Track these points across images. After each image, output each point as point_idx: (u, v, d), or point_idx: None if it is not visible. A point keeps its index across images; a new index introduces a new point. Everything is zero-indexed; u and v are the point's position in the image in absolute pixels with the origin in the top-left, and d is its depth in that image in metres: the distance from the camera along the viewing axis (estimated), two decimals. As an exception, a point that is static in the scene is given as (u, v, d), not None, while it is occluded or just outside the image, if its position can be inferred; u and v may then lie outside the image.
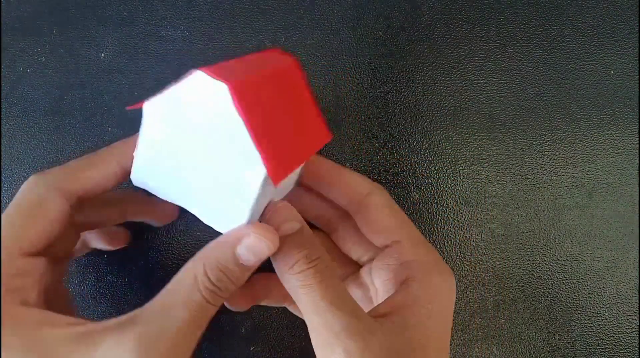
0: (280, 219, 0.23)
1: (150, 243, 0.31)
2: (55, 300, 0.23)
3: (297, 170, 0.25)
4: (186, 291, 0.21)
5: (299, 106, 0.24)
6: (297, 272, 0.22)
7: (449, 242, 0.31)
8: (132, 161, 0.23)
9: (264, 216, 0.23)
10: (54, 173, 0.23)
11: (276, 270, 0.23)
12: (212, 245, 0.22)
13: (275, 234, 0.22)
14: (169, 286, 0.21)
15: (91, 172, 0.23)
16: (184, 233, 0.31)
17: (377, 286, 0.26)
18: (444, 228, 0.31)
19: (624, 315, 0.31)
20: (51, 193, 0.22)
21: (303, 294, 0.21)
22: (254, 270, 0.23)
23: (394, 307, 0.22)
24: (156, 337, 0.20)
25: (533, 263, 0.31)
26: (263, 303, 0.29)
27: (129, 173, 0.24)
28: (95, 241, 0.29)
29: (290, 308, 0.30)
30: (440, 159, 0.32)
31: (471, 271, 0.31)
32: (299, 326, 0.31)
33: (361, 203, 0.25)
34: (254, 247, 0.22)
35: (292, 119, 0.23)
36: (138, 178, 0.23)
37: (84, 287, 0.31)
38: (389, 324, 0.21)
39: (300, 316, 0.28)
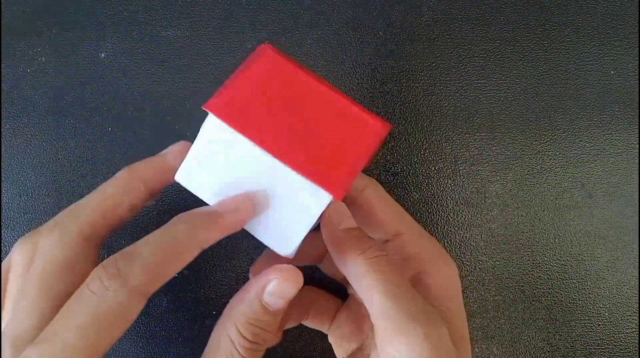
0: (340, 215, 0.23)
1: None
2: None
3: None
4: (224, 356, 0.20)
5: (322, 105, 0.22)
6: (369, 257, 0.21)
7: (449, 242, 0.31)
8: (157, 183, 0.23)
9: (324, 217, 0.23)
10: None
11: (339, 258, 0.22)
12: (236, 300, 0.22)
13: (298, 272, 0.22)
14: (208, 354, 0.21)
15: (122, 204, 0.22)
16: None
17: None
18: (444, 228, 0.31)
19: (624, 315, 0.31)
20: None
21: (375, 280, 0.21)
22: (284, 310, 0.22)
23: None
24: None
25: (533, 263, 0.31)
26: (307, 323, 0.28)
27: (153, 193, 0.23)
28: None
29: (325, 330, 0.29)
30: (440, 159, 0.32)
31: (471, 271, 0.31)
32: (299, 326, 0.31)
33: (357, 198, 0.25)
34: (281, 291, 0.21)
35: (325, 126, 0.22)
36: (184, 176, 0.22)
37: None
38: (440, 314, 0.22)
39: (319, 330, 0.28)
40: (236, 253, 0.31)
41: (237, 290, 0.31)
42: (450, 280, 0.24)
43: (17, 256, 0.22)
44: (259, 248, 0.31)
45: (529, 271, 0.31)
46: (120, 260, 0.19)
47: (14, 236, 0.31)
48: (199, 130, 0.22)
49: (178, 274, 0.31)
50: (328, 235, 0.23)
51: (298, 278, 0.21)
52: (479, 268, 0.31)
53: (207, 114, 0.22)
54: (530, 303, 0.31)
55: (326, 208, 0.22)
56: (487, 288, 0.31)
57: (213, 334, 0.21)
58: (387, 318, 0.20)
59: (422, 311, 0.20)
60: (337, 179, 0.21)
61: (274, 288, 0.21)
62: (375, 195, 0.25)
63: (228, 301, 0.30)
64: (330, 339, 0.28)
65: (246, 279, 0.31)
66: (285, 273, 0.21)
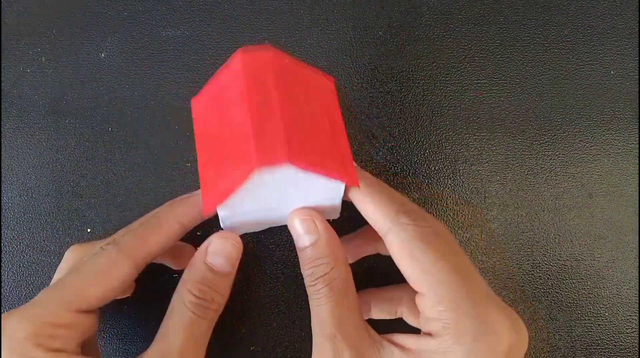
0: (298, 232, 0.24)
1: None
2: (86, 345, 0.23)
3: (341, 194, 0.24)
4: (177, 314, 0.22)
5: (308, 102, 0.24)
6: (310, 285, 0.23)
7: (449, 242, 0.31)
8: (191, 220, 0.25)
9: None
10: (126, 240, 0.23)
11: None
12: (187, 267, 0.24)
13: (234, 234, 0.24)
14: (165, 318, 0.23)
15: (157, 236, 0.24)
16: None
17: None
18: (444, 228, 0.31)
19: (624, 315, 0.31)
20: (123, 260, 0.23)
21: (315, 306, 0.23)
22: (233, 275, 0.24)
23: (418, 349, 0.22)
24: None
25: (533, 263, 0.31)
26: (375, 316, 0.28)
27: (187, 230, 0.25)
28: (162, 258, 0.28)
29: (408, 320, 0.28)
30: (440, 159, 0.32)
31: (471, 271, 0.31)
32: (299, 326, 0.31)
33: (384, 241, 0.23)
34: (220, 251, 0.24)
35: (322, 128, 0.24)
36: (227, 225, 0.25)
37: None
38: None
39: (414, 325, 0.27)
40: (236, 253, 0.31)
41: (237, 290, 0.31)
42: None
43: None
44: (259, 247, 0.31)
45: (529, 271, 0.31)
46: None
47: (14, 236, 0.31)
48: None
49: (178, 274, 0.31)
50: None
51: (235, 238, 0.24)
52: (479, 268, 0.31)
53: None
54: (530, 303, 0.31)
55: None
56: (487, 288, 0.31)
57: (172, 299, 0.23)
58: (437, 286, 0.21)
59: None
60: (347, 170, 0.23)
61: (213, 246, 0.24)
62: (395, 245, 0.22)
63: (228, 302, 0.31)
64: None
65: (245, 279, 0.31)
66: (223, 233, 0.24)
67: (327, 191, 0.23)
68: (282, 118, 0.21)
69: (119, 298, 0.28)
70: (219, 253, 0.24)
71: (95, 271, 0.22)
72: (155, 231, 0.24)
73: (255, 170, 0.19)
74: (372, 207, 0.23)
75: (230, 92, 0.22)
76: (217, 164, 0.23)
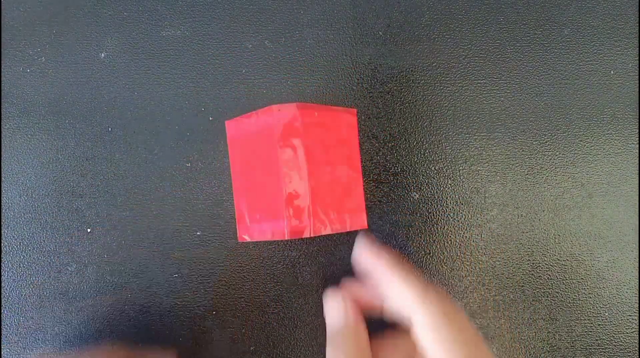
0: (329, 309, 0.25)
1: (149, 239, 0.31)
2: None
3: None
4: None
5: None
6: None
7: (449, 242, 0.31)
8: None
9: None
10: None
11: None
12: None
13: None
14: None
15: None
16: (185, 232, 0.31)
17: None
18: (444, 228, 0.31)
19: (624, 315, 0.31)
20: None
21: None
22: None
23: None
24: None
25: (533, 263, 0.31)
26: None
27: None
28: None
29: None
30: (440, 159, 0.32)
31: (471, 271, 0.31)
32: (299, 326, 0.31)
33: (410, 322, 0.23)
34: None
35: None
36: None
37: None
38: None
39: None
40: (236, 253, 0.31)
41: (237, 290, 0.31)
42: None
43: None
44: (259, 248, 0.31)
45: (529, 271, 0.31)
46: None
47: (14, 236, 0.31)
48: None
49: (178, 274, 0.31)
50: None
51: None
52: (479, 268, 0.31)
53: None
54: (530, 303, 0.31)
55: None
56: (487, 288, 0.31)
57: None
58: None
59: None
60: (358, 216, 0.27)
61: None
62: (419, 331, 0.22)
63: (228, 301, 0.31)
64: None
65: (245, 279, 0.31)
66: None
67: None
68: (309, 183, 0.24)
69: None
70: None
71: None
72: None
73: (284, 237, 0.24)
74: (399, 288, 0.23)
75: (265, 143, 0.25)
76: (251, 200, 0.27)
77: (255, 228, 0.26)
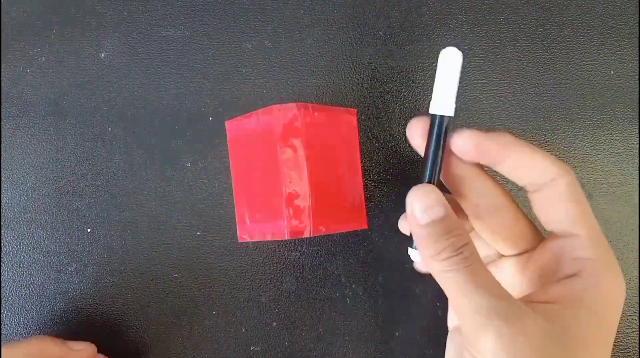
0: (427, 204, 0.22)
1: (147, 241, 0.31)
2: None
3: None
4: None
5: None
6: (443, 259, 0.21)
7: (449, 242, 0.31)
8: None
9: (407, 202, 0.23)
10: None
11: (420, 253, 0.23)
12: None
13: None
14: None
15: None
16: (185, 231, 0.31)
17: (529, 276, 0.25)
18: (444, 228, 0.31)
19: (624, 315, 0.31)
20: None
21: (450, 278, 0.21)
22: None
23: (550, 298, 0.22)
24: None
25: (533, 263, 0.31)
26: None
27: None
28: None
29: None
30: (440, 159, 0.32)
31: (471, 271, 0.31)
32: (299, 326, 0.31)
33: (545, 185, 0.23)
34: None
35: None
36: None
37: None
38: (543, 312, 0.21)
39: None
40: (236, 253, 0.31)
41: (237, 290, 0.31)
42: (606, 292, 0.22)
43: None
44: (259, 248, 0.31)
45: (529, 271, 0.31)
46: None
47: (14, 236, 0.31)
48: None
49: (178, 274, 0.31)
50: (410, 227, 0.23)
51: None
52: (479, 268, 0.31)
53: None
54: (530, 303, 0.31)
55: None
56: (487, 288, 0.31)
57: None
58: (462, 315, 0.21)
59: (495, 309, 0.20)
60: (358, 215, 0.26)
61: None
62: (563, 189, 0.23)
63: (228, 301, 0.31)
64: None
65: (245, 279, 0.31)
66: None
67: None
68: (309, 183, 0.24)
69: None
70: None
71: None
72: None
73: (284, 237, 0.24)
74: (538, 155, 0.23)
75: (265, 144, 0.25)
76: (251, 201, 0.26)
77: (256, 228, 0.26)
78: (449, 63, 0.23)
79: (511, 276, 0.26)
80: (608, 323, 0.22)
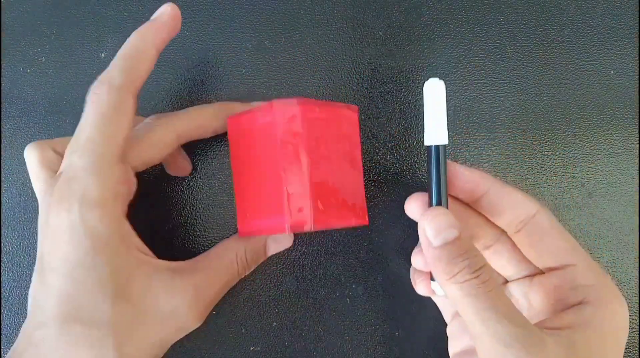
0: (440, 226, 0.22)
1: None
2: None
3: None
4: (229, 261, 0.27)
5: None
6: (460, 282, 0.21)
7: (449, 242, 0.31)
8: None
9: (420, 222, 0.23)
10: (115, 74, 0.24)
11: (436, 278, 0.22)
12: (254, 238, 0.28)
13: (290, 236, 0.30)
14: (216, 251, 0.27)
15: (142, 67, 0.24)
16: (185, 231, 0.31)
17: (534, 303, 0.25)
18: (444, 228, 0.31)
19: (624, 315, 0.31)
20: (126, 95, 0.24)
21: (467, 304, 0.21)
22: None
23: (563, 325, 0.22)
24: (205, 288, 0.25)
25: (533, 263, 0.31)
26: None
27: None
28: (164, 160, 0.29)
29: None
30: (440, 159, 0.32)
31: (471, 271, 0.31)
32: (299, 326, 0.31)
33: (527, 223, 0.24)
34: (279, 242, 0.29)
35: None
36: None
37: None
38: (557, 338, 0.21)
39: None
40: (236, 253, 0.31)
41: (237, 290, 0.31)
42: (614, 316, 0.22)
43: None
44: (259, 248, 0.31)
45: (529, 271, 0.31)
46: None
47: (14, 236, 0.31)
48: None
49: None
50: (424, 252, 0.23)
51: (289, 239, 0.30)
52: (479, 268, 0.31)
53: None
54: (530, 303, 0.31)
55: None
56: (487, 288, 0.31)
57: (224, 242, 0.28)
58: (481, 342, 0.20)
59: (516, 337, 0.20)
60: (359, 210, 0.27)
61: (277, 237, 0.29)
62: (547, 223, 0.24)
63: (228, 301, 0.31)
64: (448, 331, 0.28)
65: (245, 279, 0.31)
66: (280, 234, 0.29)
67: None
68: (309, 178, 0.24)
69: (178, 175, 0.31)
70: (277, 243, 0.30)
71: (106, 118, 0.23)
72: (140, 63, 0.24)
73: (285, 231, 0.24)
74: (517, 190, 0.25)
75: (266, 139, 0.25)
76: (251, 196, 0.26)
77: (256, 224, 0.26)
78: (435, 94, 0.24)
79: (515, 302, 0.26)
80: (618, 343, 0.22)
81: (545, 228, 0.24)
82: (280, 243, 0.29)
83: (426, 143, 0.24)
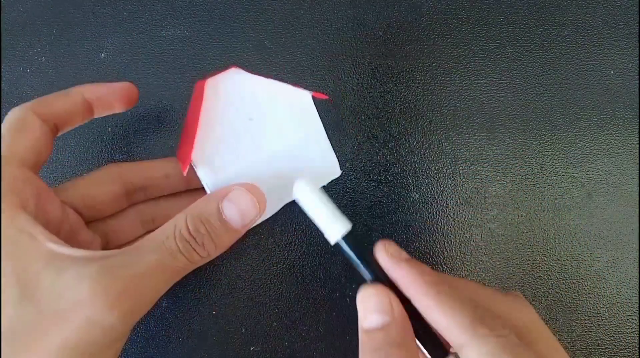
0: (368, 308, 0.20)
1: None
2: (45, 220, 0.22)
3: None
4: (162, 237, 0.21)
5: None
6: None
7: (449, 242, 0.31)
8: (97, 96, 0.25)
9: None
10: (30, 102, 0.24)
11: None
12: (200, 199, 0.23)
13: (263, 195, 0.23)
14: (152, 233, 0.21)
15: (60, 101, 0.24)
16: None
17: None
18: (444, 228, 0.31)
19: (624, 315, 0.31)
20: (31, 116, 0.23)
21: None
22: (239, 234, 0.23)
23: None
24: (117, 270, 0.20)
25: (533, 263, 0.31)
26: None
27: (92, 107, 0.25)
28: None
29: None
30: (440, 159, 0.32)
31: (471, 271, 0.31)
32: (299, 326, 0.31)
33: (459, 354, 0.19)
34: (238, 203, 0.22)
35: None
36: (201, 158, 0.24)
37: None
38: None
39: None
40: (236, 253, 0.31)
41: (237, 290, 0.31)
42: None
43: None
44: (259, 248, 0.31)
45: (529, 271, 0.31)
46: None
47: (14, 236, 0.31)
48: None
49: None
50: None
51: (259, 196, 0.23)
52: (479, 268, 0.31)
53: None
54: (530, 303, 0.31)
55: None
56: (487, 288, 0.31)
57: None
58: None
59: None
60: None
61: (233, 194, 0.22)
62: None
63: (228, 301, 0.31)
64: None
65: (245, 279, 0.31)
66: (250, 187, 0.22)
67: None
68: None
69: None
70: (236, 205, 0.22)
71: (14, 129, 0.23)
72: (58, 97, 0.24)
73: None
74: (443, 318, 0.19)
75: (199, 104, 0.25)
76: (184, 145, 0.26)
77: (181, 150, 0.27)
78: (305, 195, 0.22)
79: None
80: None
81: None
82: (234, 201, 0.23)
83: (332, 242, 0.22)
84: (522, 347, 0.18)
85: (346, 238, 0.22)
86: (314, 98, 0.26)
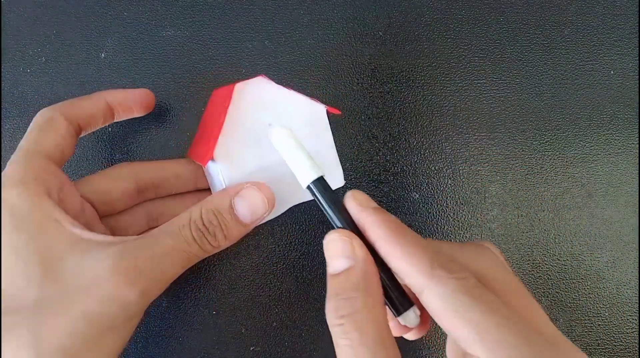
0: (332, 253, 0.20)
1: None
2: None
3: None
4: (178, 224, 0.23)
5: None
6: (335, 324, 0.19)
7: (449, 242, 0.31)
8: (118, 101, 0.27)
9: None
10: (58, 104, 0.26)
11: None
12: (214, 193, 0.25)
13: (272, 195, 0.25)
14: (168, 222, 0.23)
15: (85, 104, 0.26)
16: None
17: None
18: (444, 228, 0.31)
19: (624, 315, 0.31)
20: (58, 116, 0.25)
21: (343, 346, 0.19)
22: (248, 229, 0.25)
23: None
24: (137, 251, 0.22)
25: (533, 263, 0.31)
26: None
27: (113, 111, 0.27)
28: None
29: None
30: (440, 159, 0.32)
31: (471, 271, 0.31)
32: (299, 326, 0.31)
33: (420, 300, 0.20)
34: (249, 199, 0.24)
35: None
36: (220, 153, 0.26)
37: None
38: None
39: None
40: (236, 253, 0.31)
41: (237, 290, 0.31)
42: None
43: None
44: (259, 248, 0.31)
45: (529, 271, 0.31)
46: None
47: (14, 236, 0.31)
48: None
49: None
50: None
51: (269, 195, 0.25)
52: (479, 268, 0.31)
53: None
54: (530, 303, 0.31)
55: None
56: (487, 288, 0.31)
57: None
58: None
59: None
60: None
61: (245, 192, 0.24)
62: (437, 301, 0.19)
63: (228, 301, 0.31)
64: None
65: (245, 279, 0.31)
66: (261, 186, 0.25)
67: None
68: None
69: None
70: (247, 201, 0.24)
71: (41, 126, 0.25)
72: (83, 101, 0.26)
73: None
74: (403, 263, 0.19)
75: (219, 110, 0.27)
76: (199, 144, 0.28)
77: (194, 149, 0.29)
78: (282, 140, 0.24)
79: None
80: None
81: (434, 309, 0.19)
82: (246, 198, 0.24)
83: (304, 185, 0.23)
84: (480, 288, 0.19)
85: (317, 184, 0.23)
86: (327, 112, 0.28)
